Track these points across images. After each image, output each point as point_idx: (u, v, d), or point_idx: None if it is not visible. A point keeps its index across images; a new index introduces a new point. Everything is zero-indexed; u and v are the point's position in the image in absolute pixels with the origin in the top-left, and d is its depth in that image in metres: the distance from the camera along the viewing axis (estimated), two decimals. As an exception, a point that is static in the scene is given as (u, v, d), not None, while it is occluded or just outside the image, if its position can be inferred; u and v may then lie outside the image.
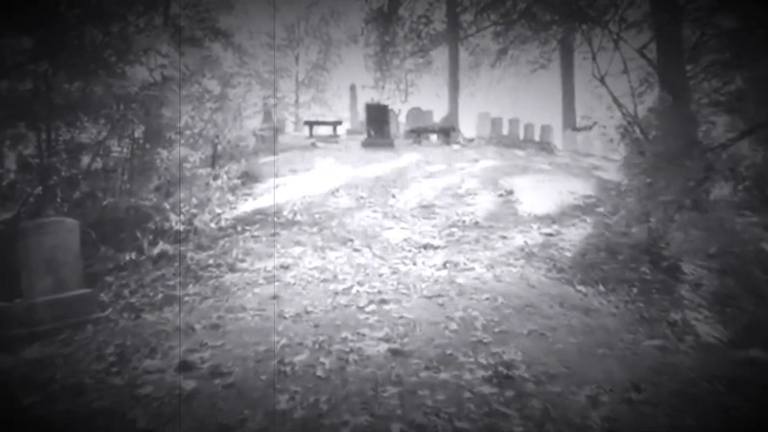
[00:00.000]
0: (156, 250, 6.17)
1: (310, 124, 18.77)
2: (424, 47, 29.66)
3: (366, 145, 15.29)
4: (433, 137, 19.57)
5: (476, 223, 7.10)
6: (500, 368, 3.16)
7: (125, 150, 6.90)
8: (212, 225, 7.08)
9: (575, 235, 6.66)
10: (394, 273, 5.26)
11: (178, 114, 7.17)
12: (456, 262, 5.51)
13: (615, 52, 8.16)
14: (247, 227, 7.12)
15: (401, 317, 4.13)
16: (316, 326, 4.00)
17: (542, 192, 8.56)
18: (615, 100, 7.19)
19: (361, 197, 8.72)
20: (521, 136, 21.00)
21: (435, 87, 39.38)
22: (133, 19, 7.94)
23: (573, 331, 4.00)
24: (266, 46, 39.16)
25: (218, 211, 7.45)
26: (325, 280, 5.09)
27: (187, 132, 7.09)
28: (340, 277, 5.16)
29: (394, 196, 8.74)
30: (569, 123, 30.33)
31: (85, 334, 4.36)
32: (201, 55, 8.04)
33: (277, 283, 5.11)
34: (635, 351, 3.78)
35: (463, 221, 7.20)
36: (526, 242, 6.19)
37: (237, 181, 8.48)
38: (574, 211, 7.63)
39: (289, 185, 9.48)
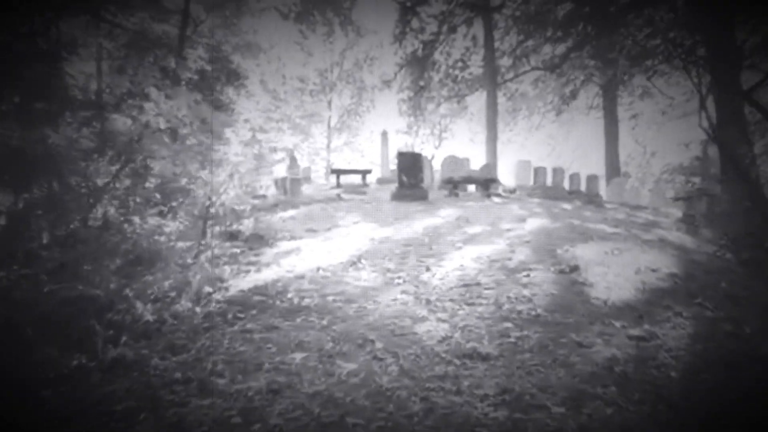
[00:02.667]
0: (111, 354, 4.64)
1: (338, 172, 17.43)
2: (459, 92, 28.54)
3: (397, 197, 13.82)
4: (471, 187, 18.02)
5: (537, 315, 5.40)
6: None
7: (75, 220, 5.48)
8: (197, 310, 5.56)
9: (675, 339, 4.89)
10: (429, 411, 3.59)
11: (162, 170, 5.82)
12: (519, 394, 3.82)
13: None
14: (240, 314, 5.56)
15: None
16: None
17: (615, 268, 6.81)
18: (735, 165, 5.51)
19: (388, 270, 7.13)
20: (566, 186, 19.26)
21: (469, 133, 38.21)
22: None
23: None
24: (298, 91, 38.84)
25: (208, 290, 5.94)
26: (327, 425, 3.45)
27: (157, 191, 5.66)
28: (349, 420, 3.51)
29: (428, 269, 7.12)
30: (613, 171, 28.64)
31: None
32: (190, 100, 6.67)
33: (257, 426, 3.50)
34: None
35: (519, 312, 5.51)
36: (614, 355, 4.45)
37: (236, 250, 6.99)
38: (663, 299, 5.86)
39: (303, 251, 7.96)
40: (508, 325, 5.20)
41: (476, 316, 5.46)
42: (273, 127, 36.22)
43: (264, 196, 13.52)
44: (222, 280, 6.18)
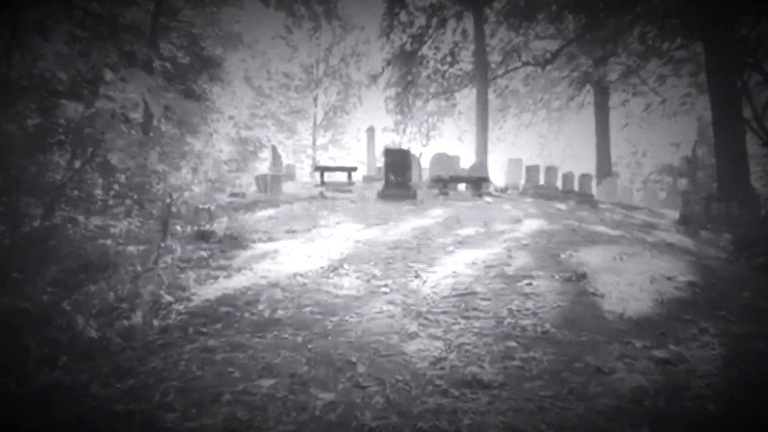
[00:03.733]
0: (44, 378, 3.89)
1: (321, 170, 16.66)
2: (448, 88, 27.83)
3: (384, 196, 13.11)
4: (461, 186, 17.35)
5: (544, 332, 4.72)
6: None
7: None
8: (155, 323, 4.82)
9: (705, 361, 4.22)
10: (421, 463, 2.89)
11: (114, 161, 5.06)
12: (533, 438, 3.12)
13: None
14: (202, 329, 4.83)
15: None
16: None
17: (626, 275, 6.16)
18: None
19: (374, 276, 6.43)
20: (559, 186, 18.67)
21: (458, 131, 37.57)
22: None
23: None
24: (283, 87, 38.07)
25: (168, 299, 5.19)
26: (293, 483, 2.74)
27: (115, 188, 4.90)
28: (323, 475, 2.80)
29: (418, 276, 6.43)
30: (604, 170, 28.21)
31: None
32: (151, 84, 5.86)
33: (206, 483, 2.78)
34: None
35: (523, 328, 4.82)
36: (641, 385, 3.77)
37: (204, 253, 6.24)
38: (684, 312, 5.20)
39: (280, 255, 7.23)
40: (512, 344, 4.50)
41: (474, 333, 4.77)
42: (257, 123, 35.39)
43: (242, 194, 12.75)
44: (184, 288, 5.44)
